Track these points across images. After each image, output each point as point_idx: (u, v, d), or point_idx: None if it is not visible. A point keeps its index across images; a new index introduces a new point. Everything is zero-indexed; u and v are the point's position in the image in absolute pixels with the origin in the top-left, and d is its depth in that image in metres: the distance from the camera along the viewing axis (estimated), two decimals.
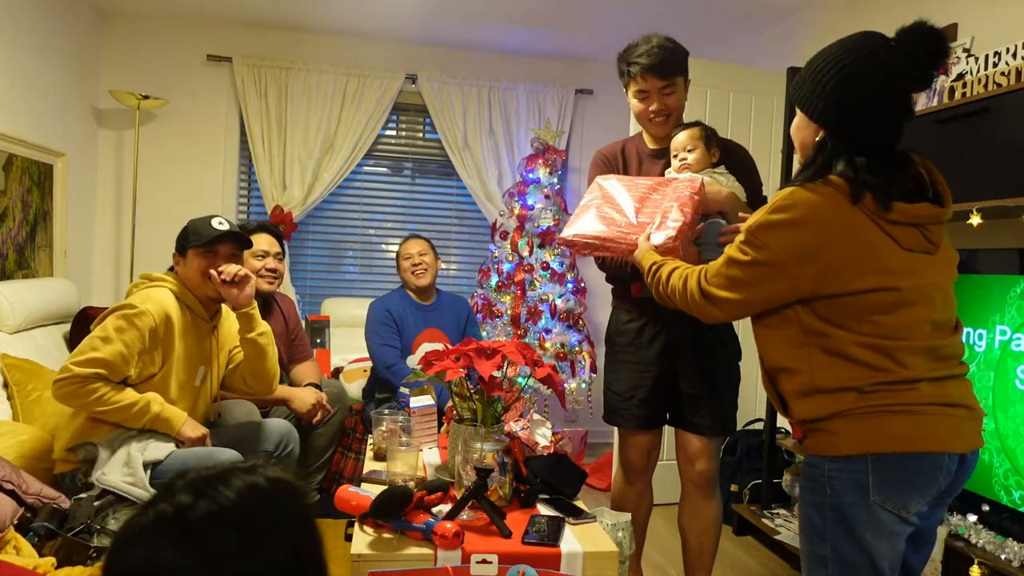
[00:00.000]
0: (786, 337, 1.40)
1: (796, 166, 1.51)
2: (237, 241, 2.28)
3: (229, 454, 2.15)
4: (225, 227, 2.25)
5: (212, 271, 2.21)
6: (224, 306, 2.38)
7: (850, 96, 1.34)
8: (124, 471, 2.01)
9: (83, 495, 1.94)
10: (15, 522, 1.73)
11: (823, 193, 1.33)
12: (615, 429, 3.56)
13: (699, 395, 2.15)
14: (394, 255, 3.61)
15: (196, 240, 2.22)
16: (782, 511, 3.21)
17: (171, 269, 2.33)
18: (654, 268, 1.70)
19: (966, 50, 2.57)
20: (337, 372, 3.69)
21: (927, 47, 1.32)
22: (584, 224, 1.93)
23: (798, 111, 1.45)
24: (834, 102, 1.36)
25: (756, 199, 2.08)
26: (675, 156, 2.06)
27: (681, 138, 2.05)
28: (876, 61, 1.34)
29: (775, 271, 1.36)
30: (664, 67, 2.04)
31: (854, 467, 1.32)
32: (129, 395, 2.09)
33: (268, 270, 2.93)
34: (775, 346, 1.43)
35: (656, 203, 1.90)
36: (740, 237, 1.42)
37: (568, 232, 1.95)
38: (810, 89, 1.40)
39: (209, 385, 2.36)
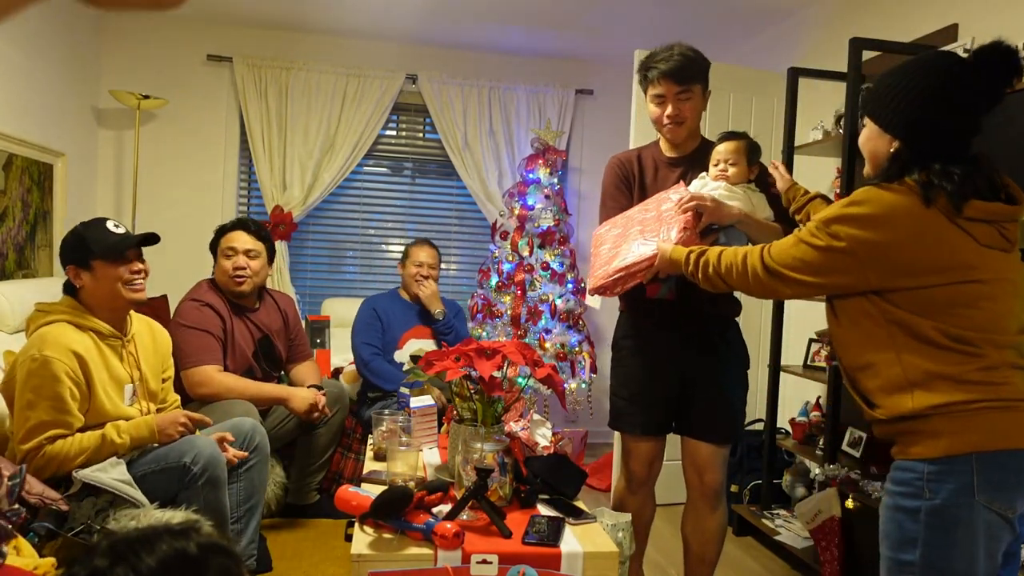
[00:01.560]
0: (867, 331, 1.42)
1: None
2: (149, 241, 2.18)
3: (201, 443, 2.14)
4: (122, 230, 2.15)
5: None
6: (133, 313, 2.27)
7: (925, 112, 1.40)
8: (115, 473, 2.01)
9: (82, 496, 1.94)
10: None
11: (898, 192, 1.38)
12: (616, 432, 3.57)
13: (708, 402, 2.14)
14: (394, 254, 3.63)
15: (101, 250, 2.08)
16: (782, 511, 3.21)
17: (67, 287, 2.16)
18: (694, 255, 1.73)
19: (967, 50, 2.57)
20: (337, 372, 3.69)
21: (998, 65, 1.36)
22: (601, 268, 1.99)
23: (868, 122, 1.50)
24: (909, 117, 1.42)
25: (779, 214, 2.09)
26: (715, 164, 2.06)
27: (727, 148, 2.05)
28: (950, 78, 1.38)
29: (845, 261, 1.39)
30: (682, 72, 2.04)
31: (958, 467, 1.31)
32: (89, 437, 2.04)
33: (236, 268, 2.86)
34: (856, 342, 1.44)
35: (654, 219, 1.95)
36: (812, 224, 1.45)
37: (592, 283, 2.01)
38: (885, 103, 1.45)
39: (145, 400, 2.24)
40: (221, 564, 0.78)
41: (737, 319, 2.22)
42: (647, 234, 1.94)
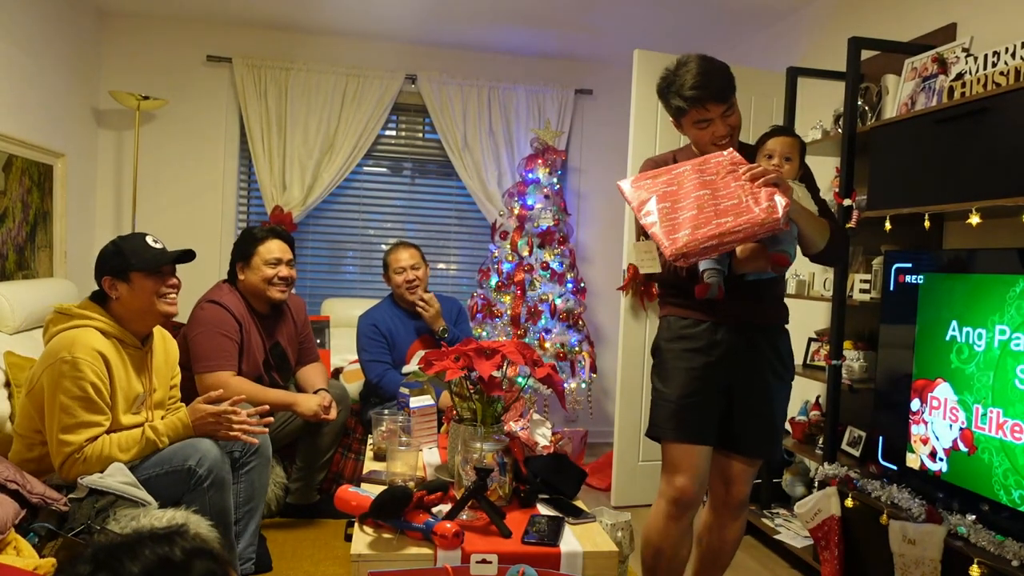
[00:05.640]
0: None
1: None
2: (187, 258, 2.23)
3: (205, 445, 2.15)
4: (160, 245, 2.22)
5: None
6: (157, 328, 2.33)
7: None
8: (120, 476, 2.02)
9: (83, 496, 1.94)
10: (15, 523, 1.73)
11: None
12: (615, 429, 3.57)
13: (752, 417, 2.04)
14: None
15: (140, 263, 2.13)
16: (782, 511, 3.22)
17: (95, 295, 2.20)
18: None
19: (965, 50, 2.57)
20: (337, 372, 3.69)
21: None
22: (684, 231, 1.76)
23: None
24: None
25: (824, 211, 2.05)
26: (769, 156, 1.99)
27: (784, 142, 1.99)
28: None
29: None
30: (722, 92, 1.93)
31: None
32: (128, 437, 2.10)
33: (280, 278, 2.90)
34: None
35: (722, 182, 1.81)
36: None
37: (675, 247, 1.75)
38: None
39: (150, 409, 2.27)
40: (206, 568, 0.78)
41: (787, 326, 2.14)
42: (722, 200, 1.77)
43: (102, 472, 2.01)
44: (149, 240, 2.21)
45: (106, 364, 2.07)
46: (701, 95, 1.90)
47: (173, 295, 2.23)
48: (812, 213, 1.96)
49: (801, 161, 2.02)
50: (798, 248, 1.99)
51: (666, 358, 2.07)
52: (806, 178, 2.07)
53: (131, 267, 2.14)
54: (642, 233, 1.96)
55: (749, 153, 2.01)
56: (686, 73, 1.92)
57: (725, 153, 1.88)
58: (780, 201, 1.73)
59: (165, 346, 2.39)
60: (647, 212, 1.83)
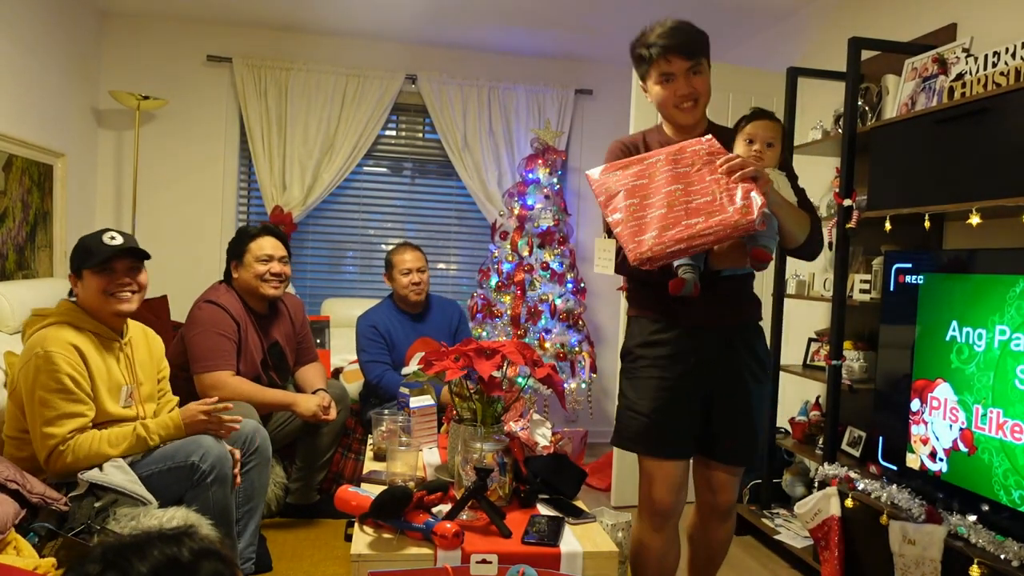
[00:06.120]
0: None
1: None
2: (134, 255, 2.18)
3: (208, 441, 2.15)
4: (119, 241, 2.13)
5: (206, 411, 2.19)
6: (137, 324, 2.32)
7: None
8: (120, 473, 2.02)
9: (83, 496, 1.94)
10: (15, 523, 1.73)
11: None
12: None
13: (732, 424, 1.96)
14: None
15: (90, 260, 2.11)
16: (782, 511, 3.21)
17: (71, 292, 2.23)
18: None
19: (965, 50, 2.57)
20: (337, 372, 3.69)
21: None
22: (649, 234, 1.69)
23: None
24: None
25: (804, 202, 1.96)
26: (750, 142, 1.86)
27: (767, 127, 1.86)
28: None
29: None
30: (688, 46, 1.85)
31: None
32: (118, 432, 2.09)
33: (273, 274, 2.91)
34: None
35: (695, 176, 1.73)
36: None
37: (640, 251, 1.68)
38: None
39: (140, 404, 2.25)
40: (213, 569, 0.79)
41: (760, 323, 2.06)
42: (694, 197, 1.69)
43: (100, 468, 2.01)
44: (106, 237, 2.14)
45: (81, 356, 2.07)
46: (665, 44, 1.86)
47: (126, 293, 2.16)
48: (793, 205, 1.88)
49: (782, 147, 1.91)
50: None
51: (638, 365, 1.97)
52: (785, 165, 1.97)
53: (83, 265, 2.14)
54: (608, 229, 1.90)
55: (727, 137, 1.90)
56: (658, 27, 1.92)
57: (703, 140, 1.79)
58: (756, 200, 1.64)
59: (147, 341, 2.37)
60: (613, 209, 1.77)
